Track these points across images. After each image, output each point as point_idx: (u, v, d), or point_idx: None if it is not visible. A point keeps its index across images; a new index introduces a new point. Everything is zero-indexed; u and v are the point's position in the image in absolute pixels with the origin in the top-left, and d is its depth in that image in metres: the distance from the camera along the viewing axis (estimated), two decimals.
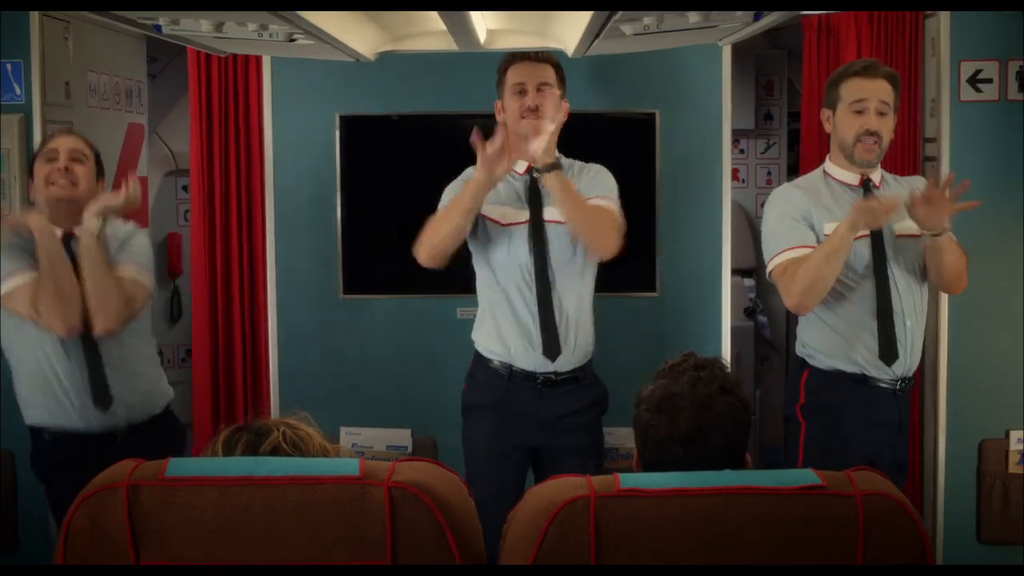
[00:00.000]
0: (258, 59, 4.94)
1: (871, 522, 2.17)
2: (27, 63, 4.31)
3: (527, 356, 3.94)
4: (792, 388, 4.02)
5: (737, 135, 6.51)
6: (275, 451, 2.38)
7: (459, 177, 3.99)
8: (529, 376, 3.96)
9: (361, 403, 4.77)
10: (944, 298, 4.58)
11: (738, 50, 4.86)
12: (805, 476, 2.23)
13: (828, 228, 3.80)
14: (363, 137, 4.82)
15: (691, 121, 4.77)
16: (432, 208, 3.97)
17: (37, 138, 4.32)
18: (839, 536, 2.16)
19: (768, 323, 6.79)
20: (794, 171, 7.15)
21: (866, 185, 3.88)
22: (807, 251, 3.76)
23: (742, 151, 7.11)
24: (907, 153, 4.91)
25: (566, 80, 3.92)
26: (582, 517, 2.15)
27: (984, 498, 4.59)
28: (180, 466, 2.26)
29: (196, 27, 2.69)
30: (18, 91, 4.32)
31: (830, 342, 3.87)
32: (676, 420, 2.38)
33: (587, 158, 4.03)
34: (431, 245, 3.85)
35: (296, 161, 4.84)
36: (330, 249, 4.80)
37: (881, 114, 3.85)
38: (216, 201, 5.20)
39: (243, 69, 5.13)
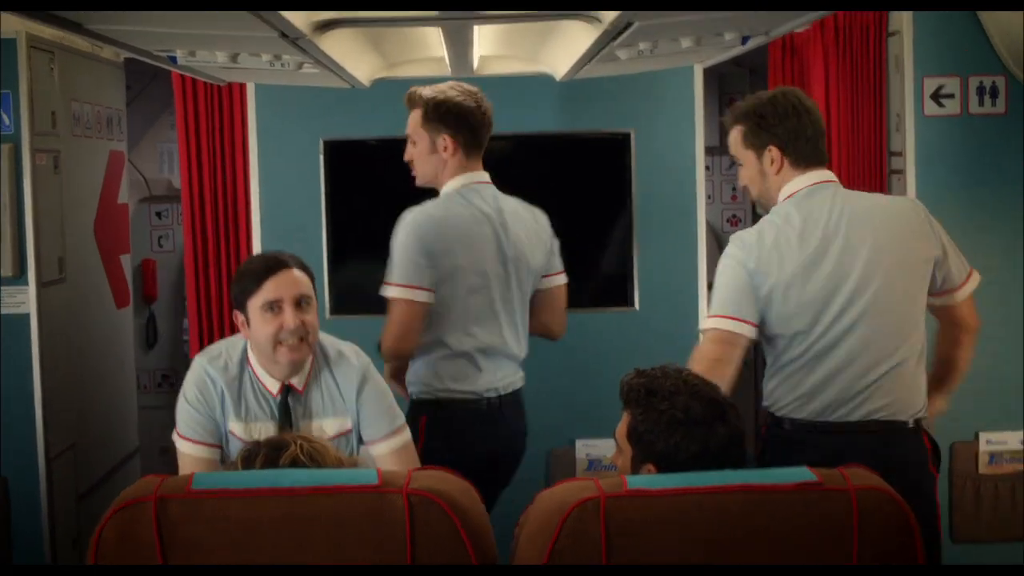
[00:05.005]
0: (242, 85, 4.95)
1: (865, 515, 2.28)
2: (15, 94, 4.28)
3: None
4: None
5: None
6: (293, 464, 2.47)
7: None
8: None
9: None
10: None
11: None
12: (801, 473, 2.36)
13: None
14: (347, 161, 4.85)
15: (665, 140, 4.83)
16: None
17: (27, 168, 4.29)
18: (835, 529, 2.28)
19: None
20: None
21: None
22: None
23: (707, 167, 7.14)
24: (874, 167, 4.97)
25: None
26: (593, 517, 2.26)
27: (956, 499, 4.65)
28: (206, 480, 2.34)
29: (211, 58, 2.75)
30: (7, 121, 4.29)
31: None
32: (708, 438, 2.55)
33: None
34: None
35: (282, 186, 4.87)
36: (316, 271, 4.69)
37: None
38: (207, 225, 5.21)
39: (227, 95, 5.13)
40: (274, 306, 3.25)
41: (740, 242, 3.32)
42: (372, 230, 4.71)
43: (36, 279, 4.36)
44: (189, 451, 3.29)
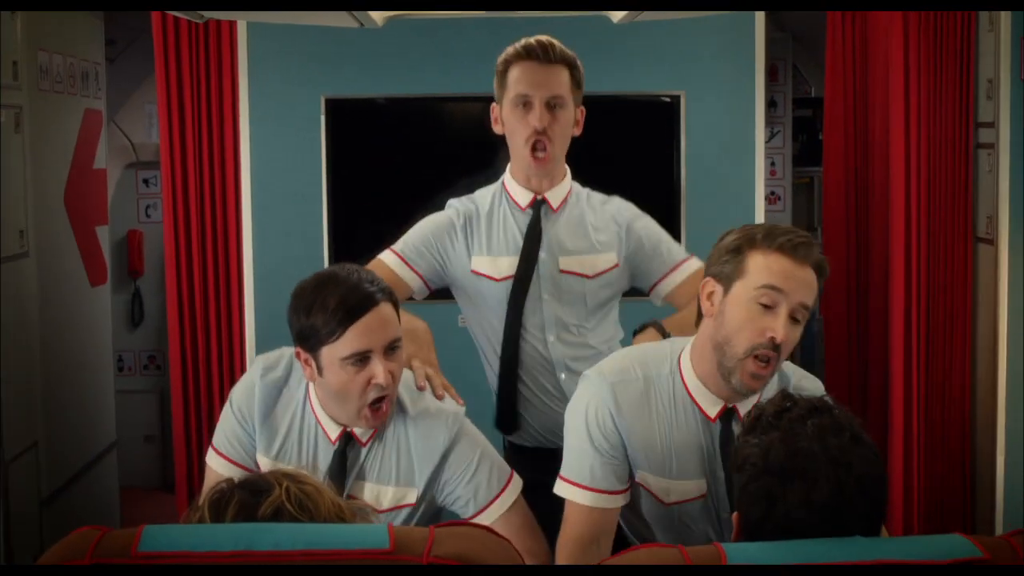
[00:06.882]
0: (232, 34, 4.69)
1: None
2: None
3: None
4: None
5: None
6: (277, 514, 1.92)
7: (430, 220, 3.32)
8: None
9: None
10: (1003, 308, 4.36)
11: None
12: (958, 545, 1.77)
13: None
14: (352, 123, 4.63)
15: (719, 103, 4.57)
16: (429, 205, 3.45)
17: None
18: None
19: None
20: (799, 161, 6.95)
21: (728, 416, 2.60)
22: None
23: None
24: (958, 140, 4.63)
25: (583, 74, 3.18)
26: None
27: None
28: (157, 538, 1.81)
29: None
30: None
31: None
32: (814, 486, 1.85)
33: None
34: None
35: (277, 150, 4.69)
36: (315, 248, 4.61)
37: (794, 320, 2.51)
38: (190, 194, 4.87)
39: (215, 46, 4.82)
40: (360, 359, 2.59)
41: None
42: (380, 202, 4.63)
43: None
44: (220, 470, 2.71)
